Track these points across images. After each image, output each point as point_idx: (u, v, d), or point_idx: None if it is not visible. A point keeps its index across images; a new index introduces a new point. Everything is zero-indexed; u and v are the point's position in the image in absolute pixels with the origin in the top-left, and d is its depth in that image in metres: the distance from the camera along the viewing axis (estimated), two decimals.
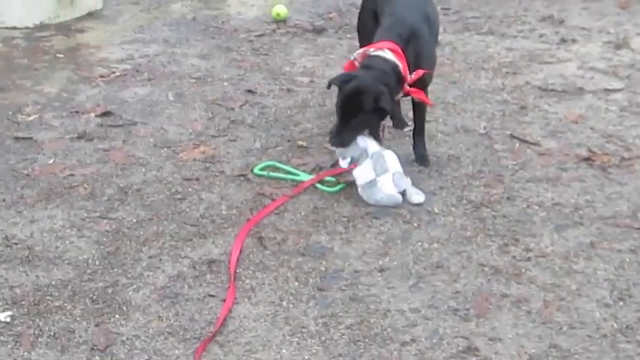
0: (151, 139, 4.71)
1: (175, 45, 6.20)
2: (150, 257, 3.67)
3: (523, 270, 3.53)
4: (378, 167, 4.05)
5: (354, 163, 4.04)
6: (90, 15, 6.80)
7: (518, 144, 4.64)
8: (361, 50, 4.16)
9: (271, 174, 4.31)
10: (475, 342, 3.13)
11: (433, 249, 3.68)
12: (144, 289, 3.47)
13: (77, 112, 5.07)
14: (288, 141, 4.70)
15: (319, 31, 6.51)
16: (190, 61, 5.87)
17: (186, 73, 5.64)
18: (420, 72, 4.08)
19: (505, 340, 3.14)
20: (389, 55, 4.03)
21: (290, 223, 3.89)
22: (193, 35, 6.41)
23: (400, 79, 4.07)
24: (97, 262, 3.65)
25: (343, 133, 4.03)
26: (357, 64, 4.16)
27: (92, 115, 5.02)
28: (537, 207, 4.01)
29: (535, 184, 4.21)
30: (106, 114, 5.02)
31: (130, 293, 3.45)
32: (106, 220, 3.95)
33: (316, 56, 5.98)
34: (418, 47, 4.14)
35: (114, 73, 5.65)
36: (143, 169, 4.39)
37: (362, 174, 4.05)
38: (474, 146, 4.60)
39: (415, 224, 3.86)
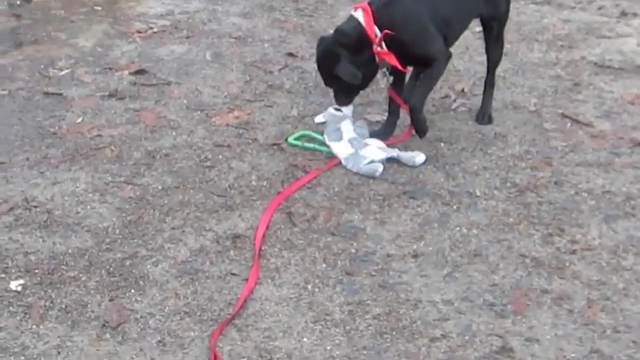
0: (184, 101, 4.51)
1: (217, 2, 5.98)
2: (172, 228, 3.48)
3: (567, 264, 3.28)
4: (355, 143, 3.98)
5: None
6: None
7: (569, 124, 4.37)
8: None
9: (306, 144, 4.11)
10: (510, 342, 2.90)
11: (472, 235, 3.44)
12: (163, 263, 3.28)
13: (110, 68, 4.88)
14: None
15: None
16: (231, 20, 5.65)
17: (226, 32, 5.43)
18: (385, 32, 3.83)
19: (543, 342, 2.90)
20: (359, 14, 3.87)
21: (322, 199, 3.67)
22: None
23: (364, 40, 3.84)
24: (117, 231, 3.46)
25: (339, 94, 3.99)
26: None
27: (126, 72, 4.82)
28: (586, 194, 3.75)
29: (585, 169, 3.95)
30: (140, 72, 4.82)
31: (149, 267, 3.26)
32: (130, 186, 3.76)
33: None
34: (395, 9, 3.89)
35: (152, 28, 5.45)
36: (173, 133, 4.19)
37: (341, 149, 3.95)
38: (522, 124, 4.34)
39: (454, 207, 3.63)
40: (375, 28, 3.84)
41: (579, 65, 5.07)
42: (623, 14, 5.92)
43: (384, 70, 3.93)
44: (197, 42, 5.26)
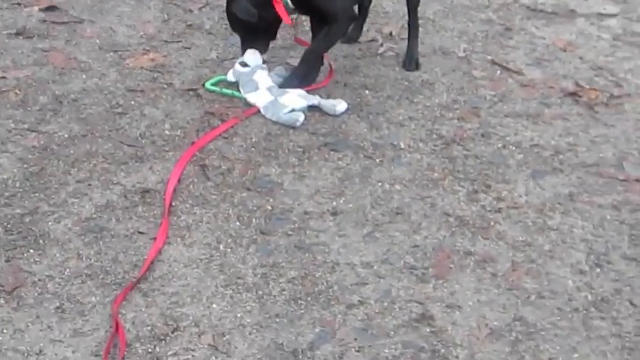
0: (97, 41, 4.24)
1: None
2: (77, 181, 3.24)
3: (492, 223, 3.13)
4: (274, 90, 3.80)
5: None
6: None
7: (499, 71, 4.20)
8: None
9: (224, 90, 3.89)
10: (431, 309, 2.75)
11: (394, 191, 3.26)
12: (66, 220, 3.05)
13: (19, 3, 4.57)
14: None
15: None
16: None
17: None
18: None
19: (464, 309, 2.76)
20: None
21: (238, 150, 3.46)
22: None
23: None
24: (17, 184, 3.21)
25: (245, 41, 3.85)
26: None
27: (35, 8, 4.52)
28: (514, 148, 3.60)
29: (514, 120, 3.79)
30: (50, 8, 4.52)
31: (50, 224, 3.03)
32: (34, 134, 3.50)
33: None
34: None
35: None
36: (84, 76, 3.93)
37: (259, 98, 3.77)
38: (451, 71, 4.16)
39: (377, 160, 3.45)
40: None
41: (511, 9, 4.89)
42: None
43: (294, 17, 3.69)
44: None
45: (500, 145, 3.61)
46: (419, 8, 4.21)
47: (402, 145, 3.56)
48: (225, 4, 3.83)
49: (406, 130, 3.67)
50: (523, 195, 3.31)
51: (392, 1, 4.84)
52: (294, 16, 3.72)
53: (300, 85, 3.78)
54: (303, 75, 3.84)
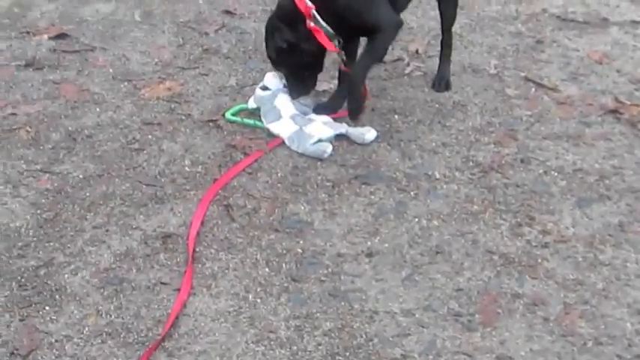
0: (110, 70, 4.03)
1: None
2: (94, 227, 3.03)
3: (539, 260, 2.90)
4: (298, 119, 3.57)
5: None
6: None
7: (533, 89, 3.98)
8: None
9: (245, 120, 3.68)
10: None
11: (432, 227, 3.03)
12: (83, 271, 2.85)
13: (28, 32, 4.38)
14: None
15: None
16: None
17: None
18: (311, 7, 3.39)
19: None
20: None
21: (264, 187, 3.24)
22: None
23: (296, 15, 3.42)
24: (30, 233, 3.01)
25: (291, 80, 3.58)
26: None
27: (45, 36, 4.32)
28: (556, 173, 3.37)
29: (553, 143, 3.56)
30: (60, 36, 4.32)
31: (67, 277, 2.83)
32: (47, 175, 3.31)
33: None
34: None
35: None
36: (97, 109, 3.73)
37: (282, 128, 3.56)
38: (483, 90, 3.94)
39: (412, 193, 3.22)
40: (307, 3, 3.37)
41: (541, 19, 4.66)
42: None
43: (336, 43, 3.46)
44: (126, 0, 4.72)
45: (541, 171, 3.38)
46: None
47: (437, 175, 3.34)
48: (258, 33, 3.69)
49: (440, 158, 3.44)
50: (570, 227, 3.07)
51: (416, 15, 4.62)
52: (336, 42, 3.48)
53: (357, 108, 3.57)
54: (357, 94, 3.58)
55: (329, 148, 3.40)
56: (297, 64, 3.48)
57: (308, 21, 3.39)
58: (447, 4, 3.89)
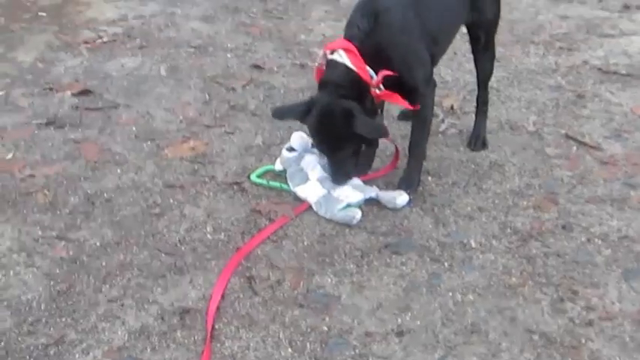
0: (133, 128, 3.89)
1: (176, 3, 5.36)
2: (109, 301, 2.86)
3: (583, 340, 2.69)
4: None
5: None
6: None
7: (575, 147, 3.79)
8: (322, 52, 3.28)
9: (271, 183, 3.52)
10: None
11: (467, 303, 2.83)
12: (96, 350, 2.68)
13: (51, 88, 4.25)
14: None
15: None
16: (191, 25, 5.02)
17: (185, 41, 4.80)
18: (384, 73, 3.17)
19: None
20: (344, 58, 3.16)
21: (289, 257, 3.06)
22: None
23: (360, 85, 3.18)
24: (42, 306, 2.85)
25: (339, 169, 3.33)
26: (323, 68, 3.29)
27: (68, 93, 4.19)
28: (600, 241, 3.15)
29: (597, 207, 3.35)
30: (84, 92, 4.19)
31: (77, 356, 2.64)
32: (63, 243, 3.15)
33: (337, 21, 5.12)
34: (382, 39, 3.20)
35: (101, 38, 4.83)
36: (118, 170, 3.58)
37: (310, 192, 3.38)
38: (521, 149, 3.76)
39: (446, 264, 3.02)
40: (368, 68, 3.16)
41: (582, 72, 4.48)
42: (626, 7, 5.33)
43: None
44: (151, 53, 4.62)
45: (583, 239, 3.17)
46: None
47: (473, 244, 3.13)
48: (316, 128, 3.30)
49: (476, 225, 3.24)
50: (616, 302, 2.86)
51: (451, 68, 4.45)
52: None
53: (417, 182, 3.43)
54: (418, 174, 3.47)
55: (358, 214, 3.21)
56: (361, 141, 3.27)
57: (373, 89, 3.18)
58: (484, 57, 3.71)
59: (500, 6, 3.64)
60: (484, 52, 3.69)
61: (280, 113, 3.34)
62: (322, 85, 3.21)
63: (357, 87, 3.15)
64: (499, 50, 4.54)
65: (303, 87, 4.26)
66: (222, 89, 4.25)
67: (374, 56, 3.15)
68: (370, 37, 3.16)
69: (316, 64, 3.30)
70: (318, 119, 3.18)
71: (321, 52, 3.27)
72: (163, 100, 4.14)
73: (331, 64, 3.18)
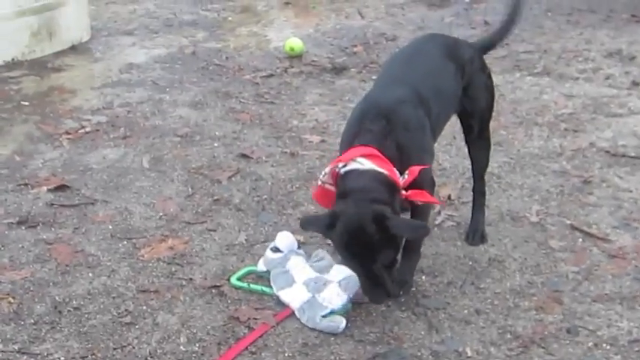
0: (109, 227, 3.70)
1: (165, 89, 5.19)
2: None
3: None
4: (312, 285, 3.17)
5: None
6: (73, 49, 5.77)
7: (581, 239, 3.58)
8: (328, 168, 3.04)
9: (252, 286, 3.31)
10: None
11: None
12: None
13: (26, 184, 4.08)
14: None
15: (339, 70, 5.47)
16: (179, 112, 4.86)
17: (171, 129, 4.64)
18: (416, 169, 2.96)
19: None
20: (367, 163, 2.93)
21: None
22: (189, 75, 5.38)
23: (394, 189, 2.96)
24: None
25: (377, 286, 2.99)
26: (328, 187, 3.06)
27: (44, 189, 4.02)
28: (609, 346, 2.93)
29: (605, 307, 3.13)
30: (60, 187, 4.02)
31: None
32: (25, 358, 2.90)
33: (332, 105, 4.95)
34: (401, 138, 3.02)
35: (84, 127, 4.68)
36: (90, 274, 3.39)
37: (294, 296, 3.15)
38: (523, 242, 3.57)
39: None
40: (397, 172, 2.97)
41: (588, 155, 4.28)
42: (635, 84, 5.15)
43: None
44: (135, 143, 4.46)
45: (590, 344, 2.96)
46: None
47: (469, 352, 2.93)
48: (346, 241, 2.96)
49: (473, 330, 3.02)
50: None
51: (449, 153, 4.25)
52: None
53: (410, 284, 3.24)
54: (413, 270, 3.28)
55: (342, 323, 3.00)
56: (397, 249, 2.99)
57: (402, 191, 2.97)
58: (478, 147, 3.54)
59: (493, 92, 3.45)
60: (478, 142, 3.50)
61: (306, 224, 3.07)
62: (343, 195, 2.94)
63: (388, 190, 2.93)
64: (501, 133, 4.39)
65: (292, 177, 4.07)
66: (206, 181, 4.06)
67: (394, 157, 2.97)
68: (388, 138, 2.97)
69: (318, 182, 3.08)
70: (347, 230, 2.88)
71: (326, 170, 3.04)
72: (144, 195, 3.96)
73: (352, 175, 2.94)
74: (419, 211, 3.15)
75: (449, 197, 3.91)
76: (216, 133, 4.62)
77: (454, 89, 3.28)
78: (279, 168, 4.22)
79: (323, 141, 4.47)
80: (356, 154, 2.94)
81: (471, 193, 3.72)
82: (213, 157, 4.33)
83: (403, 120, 3.03)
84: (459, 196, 3.92)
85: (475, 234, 3.56)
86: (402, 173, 2.96)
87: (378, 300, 3.02)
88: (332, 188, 3.02)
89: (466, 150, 3.61)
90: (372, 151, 2.93)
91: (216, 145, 4.48)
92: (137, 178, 4.15)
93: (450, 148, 4.35)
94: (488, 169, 3.70)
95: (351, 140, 3.02)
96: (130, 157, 4.36)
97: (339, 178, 2.97)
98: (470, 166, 3.70)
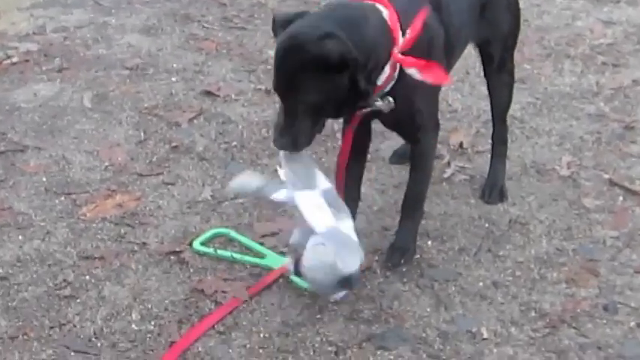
0: (44, 179, 3.80)
1: (110, 10, 5.25)
2: None
3: None
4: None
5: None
6: None
7: (621, 197, 3.72)
8: None
9: (220, 252, 3.36)
10: None
11: None
12: None
13: None
14: None
15: None
16: (127, 39, 4.93)
17: (118, 60, 4.71)
18: (418, 23, 2.92)
19: None
20: (379, 6, 2.94)
21: (239, 355, 2.92)
22: None
23: (386, 36, 2.92)
24: None
25: (292, 125, 2.87)
26: None
27: None
28: None
29: None
30: None
31: None
32: None
33: None
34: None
35: (9, 58, 4.77)
36: (20, 237, 3.48)
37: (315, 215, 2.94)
38: (551, 201, 3.68)
39: None
40: (398, 27, 2.94)
41: (630, 95, 4.42)
42: None
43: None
44: (74, 77, 4.55)
45: (632, 324, 3.06)
46: None
47: (485, 333, 3.03)
48: (283, 49, 2.88)
49: (490, 306, 3.14)
50: None
51: (461, 92, 4.32)
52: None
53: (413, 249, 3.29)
54: (416, 232, 3.31)
55: (341, 294, 3.04)
56: (329, 91, 2.86)
57: (396, 52, 2.93)
58: (499, 82, 3.61)
59: (519, 13, 3.48)
60: (499, 76, 3.55)
61: (276, 16, 3.02)
62: (327, 7, 2.97)
63: (376, 31, 2.89)
64: (524, 67, 4.45)
65: (268, 119, 4.12)
66: (162, 124, 4.12)
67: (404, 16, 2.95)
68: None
69: None
70: (287, 39, 2.84)
71: None
72: (85, 141, 4.01)
73: (360, 6, 2.93)
74: (420, 146, 3.19)
75: (460, 145, 3.99)
76: (174, 65, 4.67)
77: (472, 7, 3.31)
78: (251, 108, 4.28)
79: None
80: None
81: (488, 140, 3.79)
82: (171, 95, 4.39)
83: None
84: (473, 143, 4.00)
85: (493, 190, 3.63)
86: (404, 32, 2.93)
87: (278, 145, 2.93)
88: None
89: (481, 88, 3.64)
90: (386, 3, 2.94)
91: (174, 79, 4.55)
92: (77, 119, 4.20)
93: (461, 85, 4.41)
94: (509, 112, 3.73)
95: None
96: (68, 93, 4.42)
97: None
98: (486, 108, 3.73)
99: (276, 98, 2.98)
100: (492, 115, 3.63)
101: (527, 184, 3.77)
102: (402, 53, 2.90)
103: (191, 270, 3.30)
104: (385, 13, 2.92)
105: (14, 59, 4.70)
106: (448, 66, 3.25)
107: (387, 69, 2.92)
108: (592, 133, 4.09)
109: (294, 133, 2.87)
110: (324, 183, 3.00)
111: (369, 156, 3.39)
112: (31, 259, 3.36)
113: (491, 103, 3.63)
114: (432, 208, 3.55)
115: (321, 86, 2.80)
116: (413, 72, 2.88)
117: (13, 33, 4.98)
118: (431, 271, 3.28)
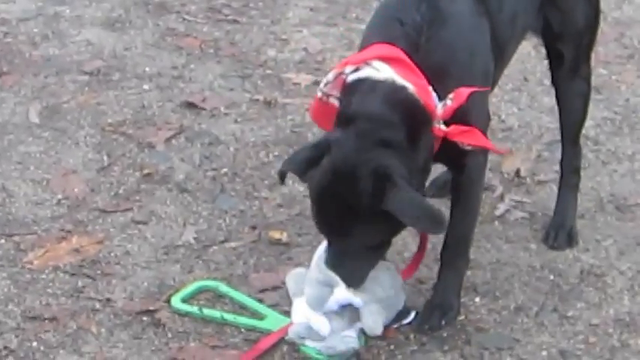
0: None
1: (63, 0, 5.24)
2: None
3: None
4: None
5: None
6: None
7: None
8: (332, 73, 3.12)
9: (206, 312, 3.43)
10: None
11: None
12: None
13: None
14: (253, 228, 3.78)
15: None
16: (86, 35, 5.04)
17: (74, 63, 4.82)
18: (464, 92, 2.99)
19: None
20: (386, 71, 3.01)
21: None
22: None
23: (422, 120, 3.02)
24: None
25: (350, 264, 3.08)
26: (332, 101, 3.15)
27: None
28: None
29: None
30: None
31: None
32: None
33: (330, 26, 5.18)
34: (446, 41, 3.08)
35: None
36: None
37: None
38: (634, 245, 3.76)
39: None
40: (432, 92, 3.03)
41: None
42: None
43: None
44: (16, 84, 4.67)
45: None
46: None
47: None
48: (321, 193, 3.06)
49: None
50: None
51: (517, 104, 4.35)
52: None
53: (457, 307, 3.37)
54: (459, 285, 3.38)
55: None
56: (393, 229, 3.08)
57: (437, 125, 3.03)
58: (571, 89, 3.67)
59: (598, 3, 3.51)
60: (572, 82, 3.62)
61: (286, 163, 3.17)
62: (344, 120, 3.03)
63: (410, 121, 3.00)
64: (600, 72, 4.54)
65: (268, 140, 4.18)
66: (130, 146, 4.22)
67: (431, 68, 3.03)
68: (429, 35, 3.06)
69: (318, 93, 3.18)
70: (329, 179, 3.01)
71: (329, 76, 3.14)
72: (32, 167, 4.11)
73: (361, 87, 3.02)
74: (466, 174, 3.25)
75: (517, 173, 4.03)
76: (146, 69, 4.76)
77: None
78: (245, 125, 4.35)
79: (316, 83, 4.53)
80: (372, 54, 3.02)
81: (554, 167, 3.89)
82: (142, 108, 4.48)
83: (455, 12, 3.11)
84: (534, 171, 4.07)
85: (560, 232, 3.69)
86: (440, 96, 3.01)
87: (348, 283, 3.10)
88: (336, 103, 3.11)
89: (544, 99, 3.69)
90: (398, 55, 3.00)
91: (146, 87, 4.63)
92: (20, 139, 4.29)
93: (517, 96, 4.47)
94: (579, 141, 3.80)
95: (373, 35, 3.11)
96: (9, 106, 4.51)
97: (344, 90, 3.06)
98: (551, 125, 3.80)
99: (279, 112, 3.05)
100: (562, 135, 3.69)
101: (604, 223, 3.83)
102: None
103: (169, 335, 3.36)
104: (412, 89, 2.98)
105: None
106: (498, 70, 3.31)
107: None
108: None
109: (353, 267, 3.11)
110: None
111: None
112: None
113: (560, 119, 3.68)
114: (481, 255, 3.62)
115: (381, 225, 3.01)
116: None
117: None
118: (479, 337, 3.33)
